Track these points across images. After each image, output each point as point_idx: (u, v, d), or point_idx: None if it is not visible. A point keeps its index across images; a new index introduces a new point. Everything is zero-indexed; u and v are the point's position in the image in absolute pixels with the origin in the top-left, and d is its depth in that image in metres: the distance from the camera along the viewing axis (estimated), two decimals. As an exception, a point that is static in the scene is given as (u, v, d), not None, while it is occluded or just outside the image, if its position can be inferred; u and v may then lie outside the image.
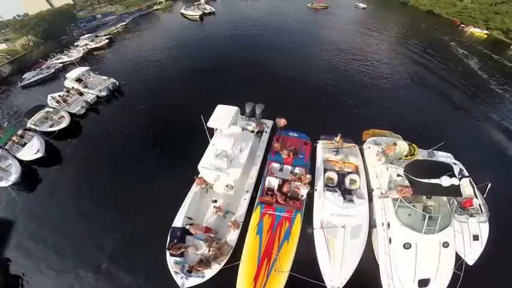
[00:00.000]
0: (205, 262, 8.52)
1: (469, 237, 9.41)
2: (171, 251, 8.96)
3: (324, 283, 8.40)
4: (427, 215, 8.53)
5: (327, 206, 9.60)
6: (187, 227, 9.33)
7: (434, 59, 28.66)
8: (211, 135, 11.50)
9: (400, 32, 37.83)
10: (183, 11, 43.19)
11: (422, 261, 8.22)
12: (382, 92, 20.98)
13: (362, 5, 49.17)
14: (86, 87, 20.60)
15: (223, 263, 8.76)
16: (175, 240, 9.17)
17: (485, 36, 41.67)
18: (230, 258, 8.90)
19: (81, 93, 20.00)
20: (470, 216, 9.79)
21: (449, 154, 12.21)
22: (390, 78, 23.35)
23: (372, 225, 9.70)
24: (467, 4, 47.02)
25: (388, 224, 9.04)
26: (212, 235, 9.23)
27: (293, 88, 20.57)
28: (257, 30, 34.81)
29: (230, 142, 10.80)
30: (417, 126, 16.33)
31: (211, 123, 10.63)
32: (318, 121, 16.28)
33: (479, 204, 10.27)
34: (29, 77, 26.68)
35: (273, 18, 40.38)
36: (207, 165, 10.73)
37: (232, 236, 9.37)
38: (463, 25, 44.67)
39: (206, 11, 43.26)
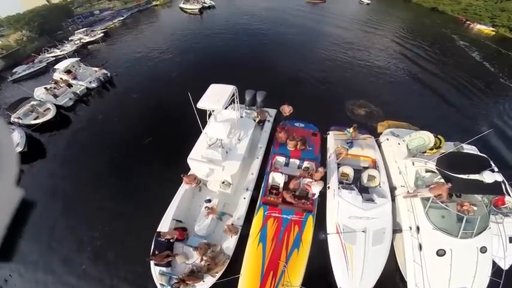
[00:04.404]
0: (196, 274, 6.99)
1: (504, 239, 7.95)
2: (154, 261, 7.42)
3: None
4: (465, 217, 7.07)
5: (343, 206, 8.06)
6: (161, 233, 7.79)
7: (444, 54, 28.08)
8: (204, 124, 9.81)
9: (408, 28, 36.94)
10: (182, 5, 42.26)
11: (458, 269, 6.94)
12: (391, 84, 20.22)
13: (366, 1, 48.37)
14: (75, 78, 19.42)
15: (218, 276, 7.19)
16: (160, 247, 7.61)
17: (494, 33, 41.18)
18: (227, 270, 7.32)
19: (70, 85, 18.74)
20: (505, 216, 8.42)
21: (473, 147, 10.55)
22: (400, 71, 22.58)
23: (394, 229, 8.16)
24: (472, 1, 46.28)
25: (418, 228, 7.58)
26: (206, 241, 7.69)
27: (295, 78, 19.58)
28: (257, 24, 33.72)
29: (226, 129, 9.04)
30: (432, 118, 15.31)
31: (202, 104, 8.91)
32: (324, 111, 15.12)
33: None
34: (20, 71, 25.92)
35: (272, 11, 39.41)
36: (198, 157, 9.05)
37: (229, 243, 7.71)
38: (468, 22, 44.01)
39: (206, 4, 42.28)
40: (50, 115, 15.92)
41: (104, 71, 20.29)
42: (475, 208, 7.54)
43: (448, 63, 26.07)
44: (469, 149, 10.20)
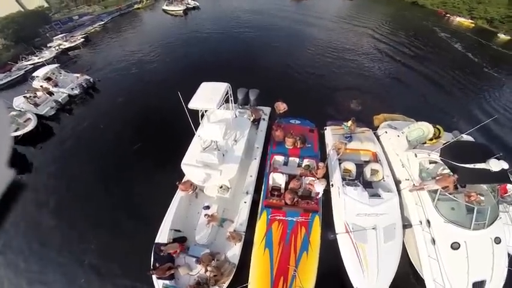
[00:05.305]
0: (202, 286, 6.52)
1: None
2: (156, 274, 6.91)
3: None
4: (475, 208, 6.89)
5: (349, 204, 7.75)
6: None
7: (428, 46, 28.70)
8: (197, 126, 9.29)
9: (391, 22, 37.62)
10: (165, 7, 41.35)
11: (475, 261, 6.71)
12: (380, 77, 20.36)
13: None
14: (56, 85, 18.40)
15: (225, 286, 6.75)
16: (161, 260, 7.10)
17: (473, 25, 42.56)
18: (234, 279, 6.88)
19: (51, 93, 17.73)
20: (510, 205, 8.31)
21: (469, 137, 10.60)
22: (387, 65, 22.84)
23: (404, 224, 7.91)
24: (450, -6, 47.61)
25: (428, 222, 7.34)
26: (208, 250, 7.23)
27: (285, 75, 19.43)
28: (243, 23, 33.28)
29: (221, 129, 8.55)
30: (423, 109, 15.61)
31: (194, 104, 8.38)
32: (317, 106, 14.99)
33: None
34: (-4, 81, 24.29)
35: (258, 10, 39.04)
36: (192, 162, 8.53)
37: (233, 251, 7.27)
38: (448, 15, 45.26)
39: (190, 5, 41.49)
40: (31, 126, 14.93)
41: (87, 76, 19.35)
42: (481, 198, 7.42)
43: (433, 55, 26.61)
44: (466, 137, 10.17)
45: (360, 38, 29.15)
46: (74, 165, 12.90)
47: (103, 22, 38.73)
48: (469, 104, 18.00)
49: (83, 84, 18.60)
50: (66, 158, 13.49)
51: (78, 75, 19.47)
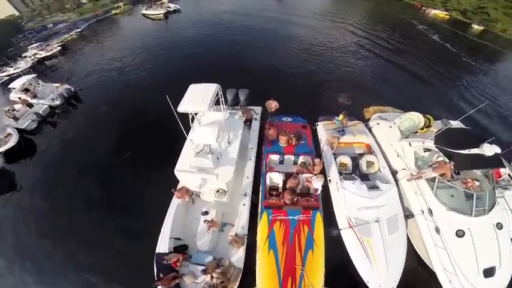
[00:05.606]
0: (210, 293, 6.28)
1: (510, 213, 7.92)
2: (161, 285, 6.60)
3: None
4: (474, 194, 6.95)
5: (349, 199, 7.70)
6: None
7: (407, 38, 29.68)
8: (187, 130, 8.81)
9: (371, 17, 38.53)
10: (144, 11, 40.23)
11: (482, 248, 6.71)
12: (364, 71, 20.75)
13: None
14: (35, 97, 17.40)
15: None
16: (165, 270, 6.80)
17: (448, 17, 44.22)
18: (241, 284, 6.65)
19: (30, 105, 16.75)
20: (504, 189, 8.44)
21: (460, 123, 10.59)
22: (370, 58, 23.40)
23: (405, 214, 7.91)
24: (424, -13, 49.20)
25: (430, 211, 7.36)
26: (211, 256, 6.99)
27: (272, 74, 19.38)
28: (226, 24, 33.03)
29: (213, 132, 8.23)
30: (409, 100, 15.96)
31: (183, 107, 7.93)
32: (307, 103, 15.16)
33: (509, 174, 8.98)
34: (-32, 95, 22.77)
35: (240, 11, 38.88)
36: (186, 168, 8.22)
37: (237, 255, 7.03)
38: (424, 8, 46.83)
39: (170, 9, 40.62)
40: (12, 141, 13.92)
41: (67, 86, 18.40)
42: (477, 183, 7.54)
43: (413, 47, 27.36)
44: (456, 125, 10.36)
45: (342, 33, 29.55)
46: (62, 180, 12.13)
47: (80, 29, 37.30)
48: (452, 92, 18.57)
49: (64, 94, 17.70)
50: (53, 173, 12.66)
51: (57, 84, 18.49)
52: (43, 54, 28.17)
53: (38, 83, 18.61)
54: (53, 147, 14.40)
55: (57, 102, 17.25)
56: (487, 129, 13.96)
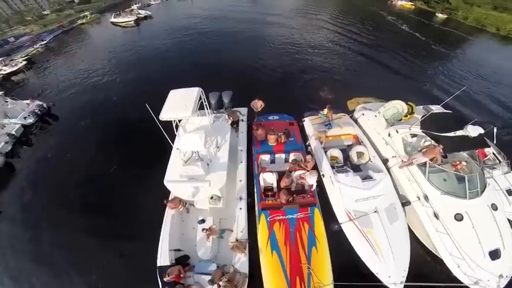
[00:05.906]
0: (219, 301, 6.02)
1: (502, 192, 8.23)
2: None
3: (382, 283, 6.50)
4: (466, 176, 7.07)
5: (345, 191, 7.69)
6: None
7: (377, 31, 30.61)
8: (172, 138, 8.40)
9: (343, 10, 39.72)
10: (113, 19, 38.88)
11: (482, 230, 6.73)
12: (341, 64, 21.35)
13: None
14: (6, 117, 16.14)
15: None
16: (170, 283, 6.46)
17: (413, 7, 46.23)
18: (248, 288, 6.47)
19: (1, 126, 15.50)
20: (492, 169, 8.71)
21: (441, 108, 10.72)
22: (345, 51, 24.09)
23: (402, 202, 7.96)
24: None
25: (426, 197, 7.46)
26: (214, 264, 6.78)
27: (252, 74, 19.42)
28: (202, 27, 32.72)
29: (201, 138, 7.89)
30: (389, 88, 16.52)
31: (166, 115, 7.49)
32: (291, 99, 15.34)
33: (493, 153, 9.27)
34: None
35: (215, 13, 38.90)
36: (176, 178, 7.87)
37: (241, 261, 6.80)
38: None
39: (141, 15, 39.59)
40: None
41: (38, 102, 17.17)
42: (464, 164, 7.75)
43: (384, 38, 28.48)
44: (438, 109, 10.68)
45: (316, 29, 30.08)
46: (46, 203, 11.20)
47: (45, 42, 35.21)
48: (426, 79, 19.33)
49: (36, 111, 16.51)
50: (36, 197, 11.64)
51: (28, 101, 17.19)
52: (7, 69, 26.26)
53: (6, 101, 17.16)
54: (33, 169, 13.27)
55: (30, 121, 16.04)
56: (465, 111, 14.41)
